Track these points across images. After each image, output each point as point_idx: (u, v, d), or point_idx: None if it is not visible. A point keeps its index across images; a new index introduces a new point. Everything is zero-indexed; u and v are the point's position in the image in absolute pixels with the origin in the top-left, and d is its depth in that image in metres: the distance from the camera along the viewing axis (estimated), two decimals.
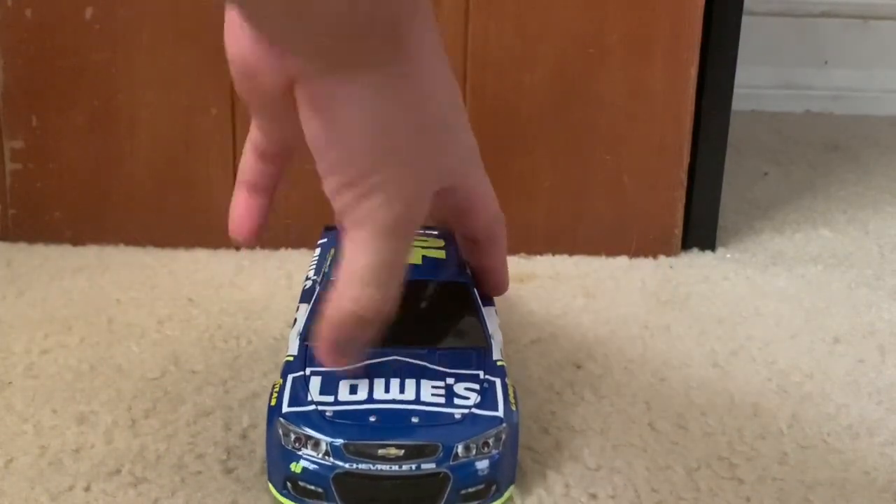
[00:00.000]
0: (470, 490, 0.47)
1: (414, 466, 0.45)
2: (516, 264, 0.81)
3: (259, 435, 0.54)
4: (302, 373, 0.49)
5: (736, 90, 0.82)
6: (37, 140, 0.79)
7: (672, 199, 0.82)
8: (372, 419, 0.46)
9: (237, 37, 0.45)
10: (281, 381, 0.49)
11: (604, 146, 0.81)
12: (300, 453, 0.46)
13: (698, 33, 0.78)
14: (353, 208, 0.45)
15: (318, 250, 0.62)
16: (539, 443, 0.55)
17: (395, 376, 0.49)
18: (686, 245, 0.84)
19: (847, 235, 0.90)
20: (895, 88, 1.36)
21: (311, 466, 0.46)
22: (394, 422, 0.46)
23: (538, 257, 0.82)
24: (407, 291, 0.53)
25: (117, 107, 0.79)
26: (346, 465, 0.45)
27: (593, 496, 0.50)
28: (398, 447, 0.45)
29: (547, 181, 0.81)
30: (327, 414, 0.47)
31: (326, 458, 0.46)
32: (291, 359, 0.51)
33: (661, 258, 0.82)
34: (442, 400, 0.48)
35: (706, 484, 0.51)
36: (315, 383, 0.49)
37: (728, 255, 0.84)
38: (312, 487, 0.46)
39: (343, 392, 0.48)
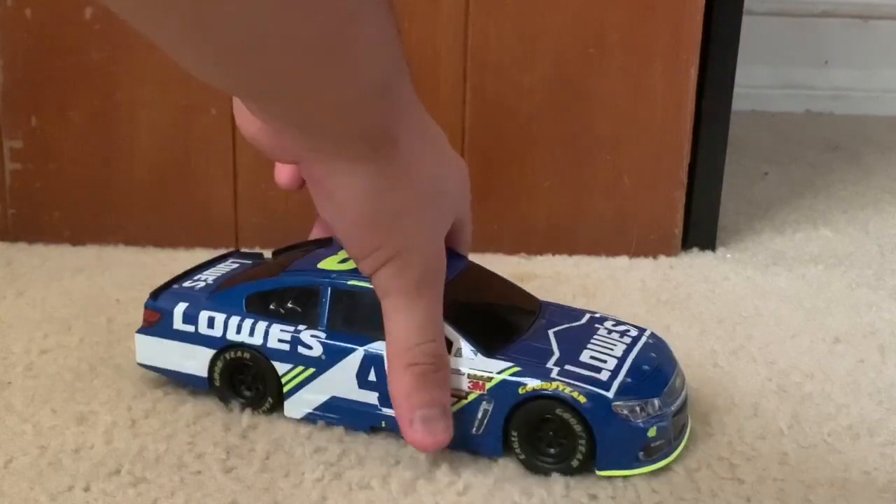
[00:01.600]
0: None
1: (687, 391, 0.55)
2: (516, 264, 0.81)
3: (259, 435, 0.54)
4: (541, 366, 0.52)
5: (736, 90, 0.82)
6: (37, 140, 0.79)
7: (672, 199, 0.82)
8: (646, 368, 0.53)
9: (247, 119, 0.50)
10: (557, 384, 0.50)
11: (604, 146, 0.81)
12: (649, 420, 0.51)
13: (698, 33, 0.78)
14: (375, 279, 0.51)
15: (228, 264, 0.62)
16: None
17: (583, 341, 0.54)
18: (686, 245, 0.84)
19: (847, 235, 0.90)
20: (895, 88, 1.36)
21: (661, 424, 0.51)
22: (652, 365, 0.54)
23: (538, 257, 0.82)
24: (457, 290, 0.54)
25: (117, 106, 0.79)
26: (673, 409, 0.52)
27: (594, 497, 0.50)
28: (680, 378, 0.54)
29: (547, 181, 0.81)
30: (629, 381, 0.52)
31: (662, 410, 0.52)
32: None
33: (661, 258, 0.82)
34: (629, 340, 0.55)
35: (706, 484, 0.51)
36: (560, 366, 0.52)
37: (728, 255, 0.84)
38: (661, 442, 0.52)
39: (597, 362, 0.52)
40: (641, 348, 0.55)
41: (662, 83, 0.79)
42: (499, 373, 0.52)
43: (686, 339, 0.68)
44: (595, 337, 0.55)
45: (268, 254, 0.63)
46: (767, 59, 1.32)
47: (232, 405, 0.56)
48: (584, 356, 0.53)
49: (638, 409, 0.51)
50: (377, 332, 0.53)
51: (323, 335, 0.54)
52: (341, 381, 0.54)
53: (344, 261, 0.55)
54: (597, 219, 0.82)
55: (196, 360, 0.56)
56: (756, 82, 1.31)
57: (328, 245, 0.59)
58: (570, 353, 0.53)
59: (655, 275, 0.79)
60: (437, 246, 0.52)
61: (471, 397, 0.52)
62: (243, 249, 0.65)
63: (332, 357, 0.54)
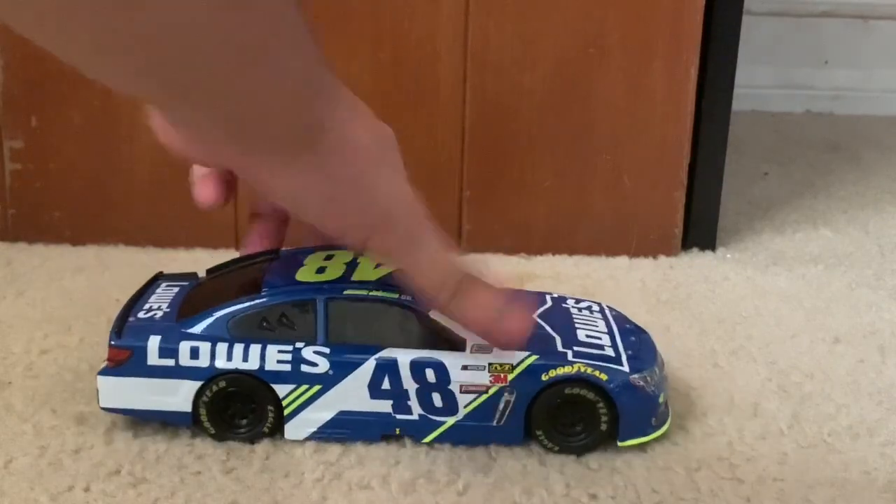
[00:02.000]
0: None
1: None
2: (516, 264, 0.81)
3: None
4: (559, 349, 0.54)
5: (736, 90, 0.82)
6: (37, 140, 0.79)
7: (672, 199, 0.82)
8: (633, 339, 0.56)
9: (171, 135, 0.49)
10: (577, 365, 0.52)
11: (604, 146, 0.81)
12: (657, 387, 0.54)
13: (698, 33, 0.78)
14: (369, 251, 0.50)
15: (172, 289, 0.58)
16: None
17: (568, 322, 0.56)
18: (686, 245, 0.84)
19: (847, 235, 0.90)
20: (895, 88, 1.36)
21: (664, 388, 0.55)
22: (636, 336, 0.57)
23: (538, 257, 0.82)
24: None
25: (117, 107, 0.79)
26: (664, 373, 0.56)
27: (594, 496, 0.50)
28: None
29: (547, 181, 0.81)
30: (630, 354, 0.55)
31: (660, 375, 0.55)
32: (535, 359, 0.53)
33: (661, 258, 0.82)
34: (600, 315, 0.59)
35: (706, 484, 0.51)
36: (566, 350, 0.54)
37: (728, 255, 0.84)
38: (663, 407, 0.55)
39: (595, 339, 0.55)
40: (615, 321, 0.58)
41: (662, 83, 0.79)
42: (520, 362, 0.52)
43: (686, 339, 0.68)
44: (574, 317, 0.57)
45: (201, 272, 0.59)
46: (767, 59, 1.32)
47: (217, 439, 0.54)
48: (581, 336, 0.55)
49: (648, 378, 0.54)
50: (384, 339, 0.52)
51: (326, 350, 0.53)
52: (351, 394, 0.53)
53: (320, 270, 0.54)
54: (597, 219, 0.82)
55: (177, 396, 0.53)
56: (756, 82, 1.31)
57: (276, 257, 0.57)
58: (569, 335, 0.55)
59: (655, 275, 0.79)
60: (408, 194, 0.50)
61: (492, 391, 0.53)
62: (166, 272, 0.61)
63: (341, 371, 0.53)
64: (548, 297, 0.59)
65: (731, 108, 0.82)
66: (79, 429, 0.55)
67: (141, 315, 0.55)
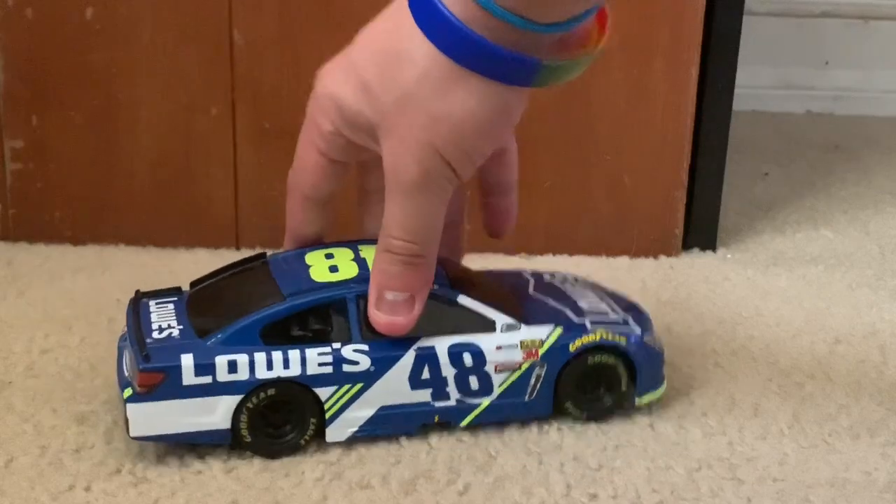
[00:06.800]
0: None
1: None
2: (517, 264, 0.81)
3: None
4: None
5: (736, 90, 0.82)
6: (37, 140, 0.79)
7: (672, 199, 0.82)
8: (622, 301, 0.60)
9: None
10: (599, 332, 0.55)
11: (604, 146, 0.81)
12: (661, 344, 0.59)
13: (698, 33, 0.78)
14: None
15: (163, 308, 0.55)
16: (540, 443, 0.55)
17: (564, 294, 0.59)
18: (687, 245, 0.84)
19: (848, 236, 0.90)
20: (895, 89, 1.36)
21: (663, 344, 0.59)
22: (624, 297, 0.61)
23: (538, 257, 0.82)
24: (464, 276, 0.57)
25: (117, 106, 0.79)
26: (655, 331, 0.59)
27: (594, 496, 0.50)
28: None
29: (547, 181, 0.81)
30: (632, 315, 0.58)
31: (656, 333, 0.59)
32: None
33: (662, 258, 0.82)
34: (581, 283, 0.62)
35: (706, 484, 0.51)
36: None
37: (729, 256, 0.84)
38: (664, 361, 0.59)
39: (598, 306, 0.58)
40: (594, 289, 0.61)
41: (663, 83, 0.79)
42: (548, 337, 0.54)
43: (687, 339, 0.68)
44: (563, 289, 0.60)
45: (186, 283, 0.57)
46: (768, 59, 1.32)
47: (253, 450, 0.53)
48: (584, 305, 0.58)
49: (655, 336, 0.58)
50: (417, 329, 0.52)
51: (365, 346, 0.52)
52: (392, 388, 0.53)
53: (333, 269, 0.53)
54: (597, 219, 0.82)
55: (215, 414, 0.51)
56: (756, 83, 1.31)
57: (265, 261, 0.56)
58: (574, 306, 0.57)
59: (656, 275, 0.79)
60: None
61: (524, 367, 0.54)
62: (143, 290, 0.57)
63: (382, 366, 0.52)
64: (523, 274, 0.62)
65: (731, 108, 0.82)
66: (79, 428, 0.55)
67: (157, 336, 0.52)
